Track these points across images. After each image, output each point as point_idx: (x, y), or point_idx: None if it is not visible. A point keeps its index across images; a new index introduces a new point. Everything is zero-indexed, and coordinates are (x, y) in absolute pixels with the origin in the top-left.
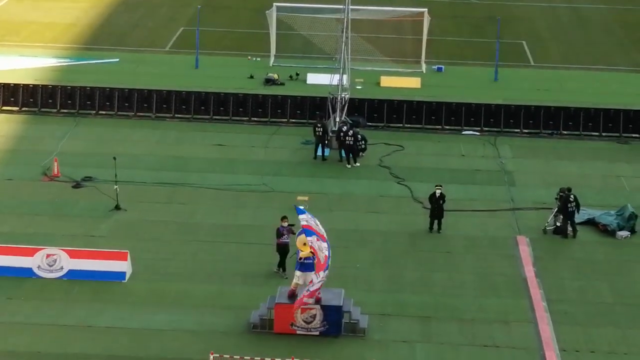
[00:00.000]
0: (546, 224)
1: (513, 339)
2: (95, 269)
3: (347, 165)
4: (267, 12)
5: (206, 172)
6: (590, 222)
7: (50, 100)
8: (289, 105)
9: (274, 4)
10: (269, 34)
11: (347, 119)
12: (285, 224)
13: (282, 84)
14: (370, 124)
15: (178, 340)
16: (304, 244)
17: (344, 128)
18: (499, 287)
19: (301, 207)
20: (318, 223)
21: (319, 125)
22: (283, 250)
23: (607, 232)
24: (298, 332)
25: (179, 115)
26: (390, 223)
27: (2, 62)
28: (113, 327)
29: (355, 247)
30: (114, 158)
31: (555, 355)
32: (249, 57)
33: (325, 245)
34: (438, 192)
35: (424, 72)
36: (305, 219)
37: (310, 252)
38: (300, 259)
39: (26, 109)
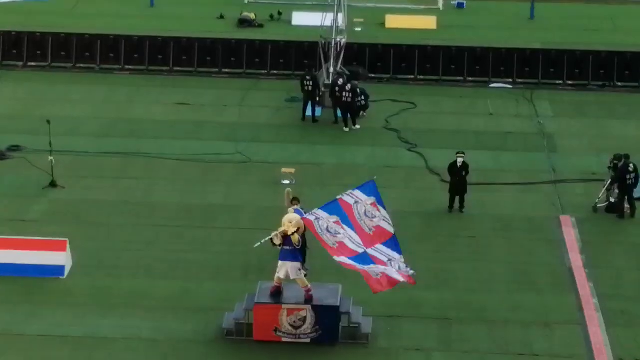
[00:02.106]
0: (597, 200)
1: (556, 345)
2: (26, 262)
3: (344, 128)
4: None
5: (165, 139)
6: None
7: None
8: (269, 53)
9: None
10: None
11: (344, 69)
12: (297, 207)
13: (261, 25)
14: (372, 75)
15: (132, 351)
16: (291, 222)
17: (340, 81)
18: (538, 281)
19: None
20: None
21: (308, 77)
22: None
23: None
24: (284, 339)
25: (130, 67)
26: (399, 200)
27: None
28: (49, 335)
29: None
30: (48, 122)
31: None
32: None
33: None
34: (460, 160)
35: (441, 8)
36: (354, 199)
37: (297, 236)
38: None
39: None
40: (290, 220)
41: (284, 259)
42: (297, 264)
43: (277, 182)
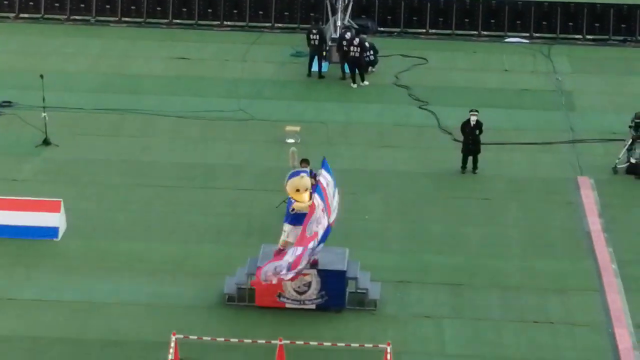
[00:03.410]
0: (617, 161)
1: (572, 312)
2: (18, 223)
3: (352, 84)
4: None
5: (164, 95)
6: None
7: None
8: (273, 5)
9: None
10: None
11: (352, 22)
12: (307, 169)
13: None
14: (382, 29)
15: (129, 317)
16: (299, 191)
17: (348, 35)
18: (554, 245)
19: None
20: (335, 195)
21: (314, 31)
22: None
23: None
24: (287, 305)
25: (127, 19)
26: (409, 161)
27: None
28: (42, 300)
29: (363, 193)
30: (41, 76)
31: (628, 332)
32: None
33: (325, 222)
34: (473, 119)
35: None
36: (326, 180)
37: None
38: (293, 210)
39: None
40: (306, 187)
41: (295, 222)
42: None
43: (282, 140)
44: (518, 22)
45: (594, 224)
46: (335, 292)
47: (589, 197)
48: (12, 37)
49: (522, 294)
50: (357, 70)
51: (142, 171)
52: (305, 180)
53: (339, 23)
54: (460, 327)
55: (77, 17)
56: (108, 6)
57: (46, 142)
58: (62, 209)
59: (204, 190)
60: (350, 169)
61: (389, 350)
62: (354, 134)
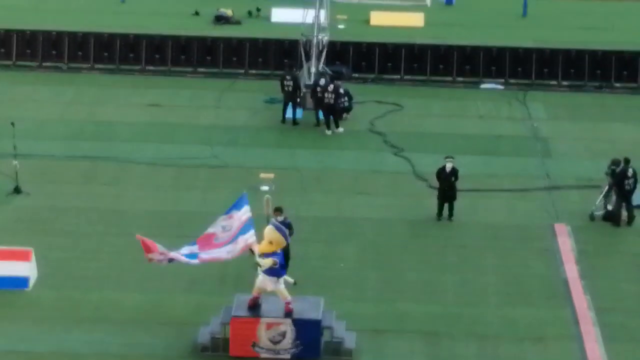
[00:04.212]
0: (594, 208)
1: None
2: None
3: (326, 130)
4: None
5: (137, 142)
6: None
7: None
8: (247, 52)
9: None
10: None
11: (326, 69)
12: (280, 219)
13: (238, 22)
14: (356, 75)
15: None
16: (270, 242)
17: (322, 81)
18: (531, 293)
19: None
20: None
21: (288, 77)
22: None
23: None
24: (262, 355)
25: (100, 66)
26: (385, 208)
27: None
28: (12, 351)
29: (338, 241)
30: (12, 124)
31: None
32: None
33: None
34: (449, 165)
35: (429, 5)
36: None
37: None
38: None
39: None
40: (270, 241)
41: (266, 272)
42: (276, 279)
43: (256, 188)
44: (493, 67)
45: (571, 271)
46: (311, 342)
47: (565, 244)
48: None
49: (500, 343)
50: (331, 116)
51: (114, 219)
52: (268, 231)
53: (313, 69)
54: None
55: (48, 64)
56: (80, 53)
57: (17, 191)
58: (33, 258)
59: (177, 239)
60: (325, 216)
61: None
62: (329, 181)
